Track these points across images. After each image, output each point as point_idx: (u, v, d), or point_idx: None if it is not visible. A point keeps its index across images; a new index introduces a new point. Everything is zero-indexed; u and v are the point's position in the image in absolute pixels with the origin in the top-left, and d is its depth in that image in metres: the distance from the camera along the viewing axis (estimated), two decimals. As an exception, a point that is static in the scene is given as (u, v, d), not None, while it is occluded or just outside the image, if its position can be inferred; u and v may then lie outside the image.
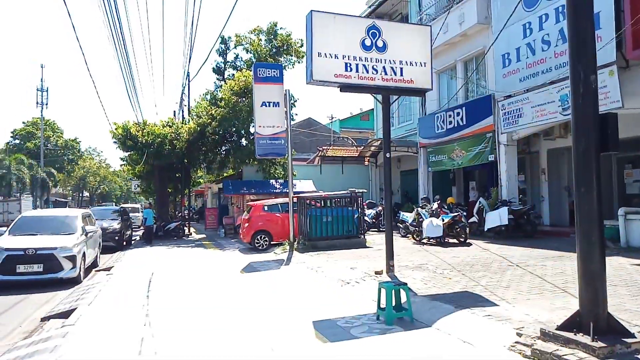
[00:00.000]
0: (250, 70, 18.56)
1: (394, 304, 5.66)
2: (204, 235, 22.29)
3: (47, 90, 48.82)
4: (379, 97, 8.97)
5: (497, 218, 12.80)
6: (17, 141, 57.66)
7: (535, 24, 12.34)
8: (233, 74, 24.03)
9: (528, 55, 12.59)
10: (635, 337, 4.04)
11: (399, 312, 5.66)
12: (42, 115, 50.99)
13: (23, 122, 58.77)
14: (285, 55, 24.05)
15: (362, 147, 24.26)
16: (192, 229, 25.07)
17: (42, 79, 48.29)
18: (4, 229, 12.35)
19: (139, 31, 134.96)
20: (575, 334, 4.12)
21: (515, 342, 4.41)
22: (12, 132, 58.27)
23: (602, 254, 4.31)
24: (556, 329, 4.29)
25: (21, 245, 9.50)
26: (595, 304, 4.20)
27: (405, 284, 5.95)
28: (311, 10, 8.08)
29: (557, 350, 4.02)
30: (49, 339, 5.49)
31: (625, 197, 12.64)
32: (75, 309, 6.93)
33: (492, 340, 4.60)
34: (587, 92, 4.39)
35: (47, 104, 49.09)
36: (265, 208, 15.00)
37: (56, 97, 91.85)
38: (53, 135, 59.34)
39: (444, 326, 5.24)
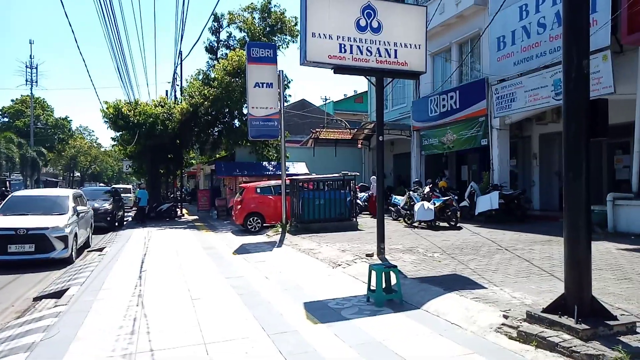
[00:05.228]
0: (244, 50, 18.33)
1: (384, 286, 5.73)
2: (196, 217, 22.31)
3: (36, 67, 48.10)
4: (373, 79, 8.89)
5: (487, 202, 12.93)
6: (6, 119, 56.85)
7: (532, 6, 12.25)
8: (226, 54, 23.72)
9: (523, 38, 12.52)
10: (618, 320, 4.13)
11: (389, 294, 5.74)
12: (31, 92, 50.31)
13: (12, 100, 57.93)
14: (279, 35, 23.74)
15: (356, 130, 24.21)
16: (184, 211, 25.04)
17: (31, 56, 47.57)
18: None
19: (130, 8, 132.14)
20: (560, 317, 4.21)
21: (502, 324, 4.50)
22: (0, 110, 57.43)
23: (588, 238, 4.37)
24: (542, 312, 4.38)
25: (12, 225, 9.47)
26: (580, 287, 4.28)
27: (396, 266, 6.01)
28: (306, -12, 7.90)
29: (542, 332, 4.11)
30: (42, 319, 5.52)
31: (615, 182, 12.78)
32: (68, 289, 6.97)
33: (480, 322, 4.69)
34: (579, 77, 4.38)
35: (36, 82, 48.40)
36: (258, 190, 14.99)
37: (46, 74, 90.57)
38: (43, 114, 58.55)
39: (433, 308, 5.33)
